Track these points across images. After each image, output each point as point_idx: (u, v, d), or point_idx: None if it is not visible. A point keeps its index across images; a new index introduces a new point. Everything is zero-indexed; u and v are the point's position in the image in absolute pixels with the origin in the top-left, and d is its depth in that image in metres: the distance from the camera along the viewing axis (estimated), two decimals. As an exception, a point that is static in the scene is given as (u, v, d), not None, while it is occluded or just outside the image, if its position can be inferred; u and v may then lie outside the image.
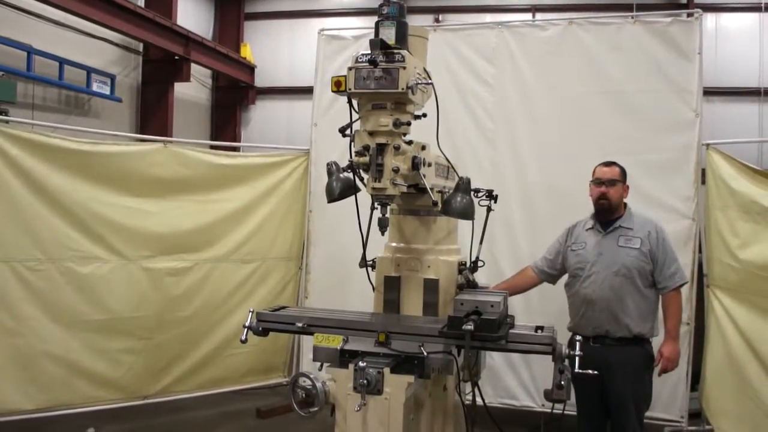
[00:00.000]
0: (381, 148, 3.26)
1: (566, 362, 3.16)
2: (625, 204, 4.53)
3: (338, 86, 3.29)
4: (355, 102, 3.41)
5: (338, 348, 3.30)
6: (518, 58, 5.95)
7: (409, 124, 3.30)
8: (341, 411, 3.14)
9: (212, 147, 7.34)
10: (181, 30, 10.07)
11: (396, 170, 3.25)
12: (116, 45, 9.80)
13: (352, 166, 3.40)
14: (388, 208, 3.86)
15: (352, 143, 3.33)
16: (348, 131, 3.39)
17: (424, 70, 3.44)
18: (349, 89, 3.25)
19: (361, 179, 3.46)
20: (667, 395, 5.57)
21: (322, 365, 3.37)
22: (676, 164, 5.57)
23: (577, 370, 3.12)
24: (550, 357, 3.19)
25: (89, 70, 8.87)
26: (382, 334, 3.23)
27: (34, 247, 5.21)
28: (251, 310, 3.60)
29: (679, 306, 4.40)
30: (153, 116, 10.28)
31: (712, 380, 5.52)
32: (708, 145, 5.54)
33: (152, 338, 5.74)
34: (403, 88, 3.15)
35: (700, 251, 5.66)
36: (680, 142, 5.56)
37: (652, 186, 5.53)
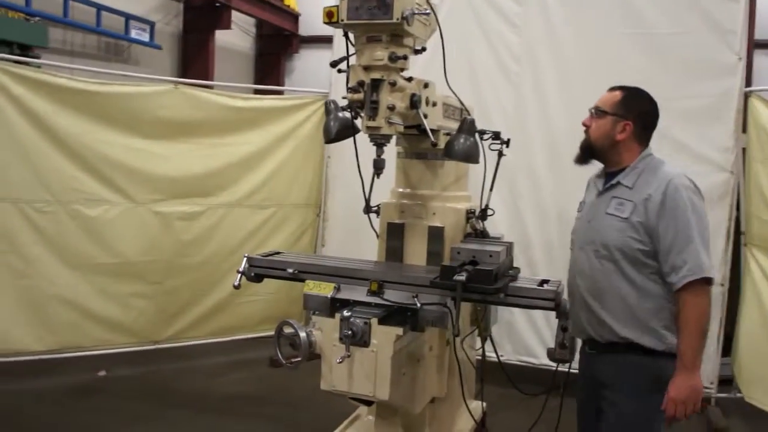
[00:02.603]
0: (376, 84, 3.04)
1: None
2: (646, 152, 3.15)
3: (330, 17, 3.06)
4: (352, 36, 3.19)
5: (329, 296, 3.13)
6: (547, -4, 5.58)
7: (406, 58, 3.06)
8: (327, 363, 2.97)
9: (255, 92, 7.10)
10: (222, -24, 9.90)
11: (392, 108, 3.02)
12: (157, -8, 9.69)
13: (349, 104, 3.18)
14: (395, 150, 3.68)
15: (348, 79, 3.11)
16: (343, 67, 3.18)
17: (426, 0, 3.17)
18: (341, 20, 3.01)
19: (360, 117, 3.24)
20: (698, 360, 5.28)
21: (312, 313, 3.20)
22: (714, 112, 5.19)
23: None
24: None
25: (128, 17, 8.77)
26: (375, 283, 3.05)
27: (42, 189, 5.16)
28: (246, 255, 3.46)
29: (695, 315, 2.72)
30: (194, 64, 10.18)
31: (745, 345, 5.27)
32: (751, 92, 5.16)
33: (163, 283, 5.67)
34: (398, 19, 2.90)
35: (737, 207, 5.33)
36: (720, 89, 5.16)
37: (686, 135, 5.20)
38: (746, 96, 5.20)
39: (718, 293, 5.21)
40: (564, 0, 5.55)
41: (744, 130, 5.25)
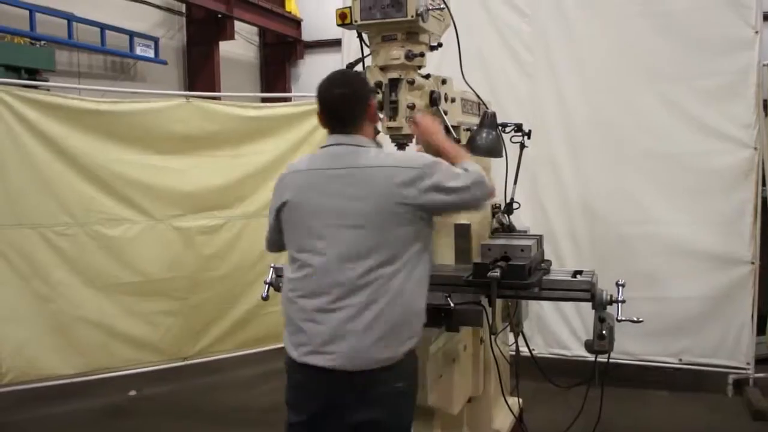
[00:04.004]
0: (394, 84, 3.01)
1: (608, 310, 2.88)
2: None
3: (343, 18, 3.04)
4: (366, 37, 3.15)
5: (360, 302, 3.08)
6: (555, -20, 5.50)
7: (422, 55, 3.03)
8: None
9: (263, 100, 7.06)
10: (222, -13, 9.93)
11: (411, 107, 2.99)
12: (158, 7, 9.71)
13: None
14: (415, 149, 3.63)
15: (365, 81, 3.06)
16: (359, 68, 3.14)
17: (439, -5, 3.12)
18: (355, 21, 2.98)
19: (380, 119, 3.20)
20: (732, 341, 5.21)
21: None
22: (733, 88, 5.08)
23: (620, 318, 2.83)
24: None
25: (132, 35, 8.80)
26: (406, 286, 2.99)
27: (61, 212, 5.15)
28: (272, 265, 3.42)
29: None
30: (200, 77, 10.20)
31: (780, 323, 5.16)
32: (768, 65, 5.08)
33: (188, 299, 5.64)
34: (412, 15, 2.87)
35: (764, 184, 5.23)
36: (738, 64, 5.06)
37: (707, 113, 5.12)
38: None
39: (748, 272, 5.14)
40: (573, -18, 5.47)
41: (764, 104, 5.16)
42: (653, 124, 5.22)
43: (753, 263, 5.14)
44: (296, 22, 11.92)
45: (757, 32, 5.02)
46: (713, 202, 5.15)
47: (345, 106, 2.68)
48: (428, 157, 2.60)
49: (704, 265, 5.19)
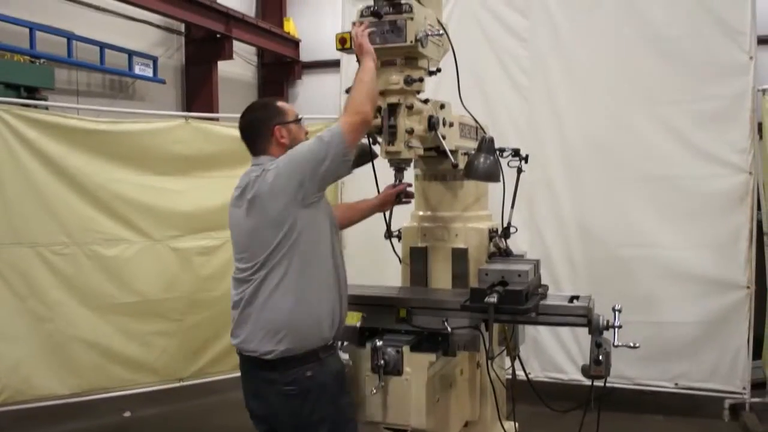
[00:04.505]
0: (393, 109, 3.02)
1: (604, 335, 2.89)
2: None
3: (343, 43, 3.05)
4: (365, 60, 3.17)
5: (357, 326, 3.09)
6: (553, 7, 5.56)
7: (421, 80, 3.06)
8: (360, 393, 2.93)
9: None
10: (221, 8, 9.95)
11: (410, 131, 3.00)
12: (158, 27, 9.75)
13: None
14: (413, 173, 3.65)
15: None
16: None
17: (438, 21, 3.15)
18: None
19: (378, 143, 3.22)
20: (728, 365, 5.23)
21: (342, 344, 3.16)
22: (728, 113, 5.14)
23: (616, 343, 2.83)
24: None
25: (130, 53, 8.84)
26: (403, 310, 3.02)
27: (59, 231, 5.14)
28: None
29: None
30: (198, 96, 10.22)
31: (776, 347, 5.16)
32: (765, 91, 5.12)
33: (184, 320, 5.62)
34: (411, 41, 2.89)
35: (758, 208, 5.26)
36: (733, 89, 5.12)
37: (702, 138, 5.18)
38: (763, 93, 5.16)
39: (744, 296, 5.15)
40: (570, 10, 5.54)
41: (760, 131, 5.20)
42: (650, 147, 5.27)
43: (748, 287, 5.16)
44: (294, 43, 11.98)
45: (751, 58, 5.09)
46: (709, 226, 5.18)
47: (248, 131, 3.02)
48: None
49: (700, 289, 5.22)
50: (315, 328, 2.77)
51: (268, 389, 2.84)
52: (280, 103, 3.08)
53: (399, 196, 3.46)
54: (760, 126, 5.22)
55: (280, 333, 2.74)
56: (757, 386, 5.33)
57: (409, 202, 3.57)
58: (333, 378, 2.83)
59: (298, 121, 3.07)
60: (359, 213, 3.64)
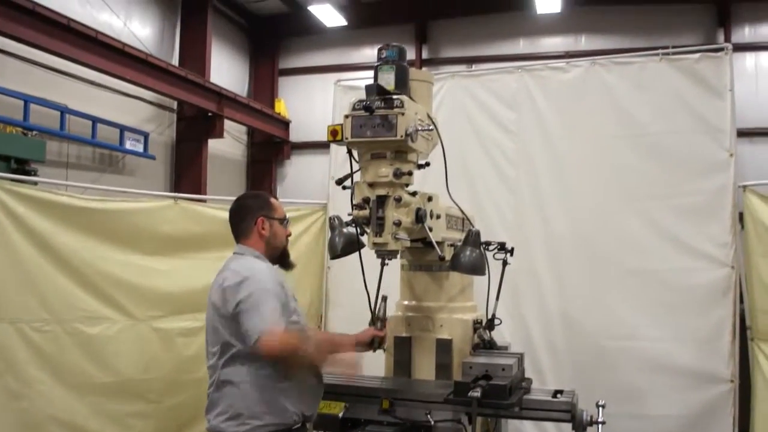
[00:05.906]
0: (381, 201, 3.09)
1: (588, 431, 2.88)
2: None
3: (334, 135, 3.14)
4: (356, 152, 3.25)
5: (339, 416, 3.07)
6: (540, 102, 5.73)
7: (410, 173, 3.12)
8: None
9: None
10: (214, 87, 10.11)
11: (398, 224, 3.05)
12: (150, 103, 9.85)
13: (355, 220, 3.22)
14: (399, 263, 3.68)
15: (353, 196, 3.15)
16: (348, 183, 3.23)
17: (428, 116, 3.24)
18: (346, 138, 3.08)
19: (366, 233, 3.27)
20: (713, 460, 5.15)
21: (322, 435, 3.14)
22: (710, 208, 5.25)
23: (600, 439, 2.83)
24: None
25: (122, 128, 8.89)
26: (386, 401, 3.00)
27: (41, 308, 5.03)
28: None
29: None
30: (187, 173, 10.26)
31: (762, 442, 5.11)
32: (745, 187, 5.22)
33: (162, 401, 5.49)
34: (401, 136, 2.97)
35: (741, 302, 5.30)
36: (714, 185, 5.25)
37: (685, 232, 5.27)
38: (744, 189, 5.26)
39: (728, 390, 5.14)
40: (556, 104, 5.69)
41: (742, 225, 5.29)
42: (633, 241, 5.34)
43: (732, 381, 5.15)
44: (285, 124, 12.14)
45: (731, 155, 5.22)
46: (692, 318, 5.21)
47: (235, 216, 3.34)
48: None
49: (683, 382, 5.20)
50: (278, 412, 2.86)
51: None
52: (272, 199, 3.20)
53: (374, 340, 3.38)
54: (741, 215, 5.30)
55: (242, 416, 2.85)
56: (742, 483, 5.25)
57: (383, 349, 3.48)
58: None
59: (282, 221, 3.15)
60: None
